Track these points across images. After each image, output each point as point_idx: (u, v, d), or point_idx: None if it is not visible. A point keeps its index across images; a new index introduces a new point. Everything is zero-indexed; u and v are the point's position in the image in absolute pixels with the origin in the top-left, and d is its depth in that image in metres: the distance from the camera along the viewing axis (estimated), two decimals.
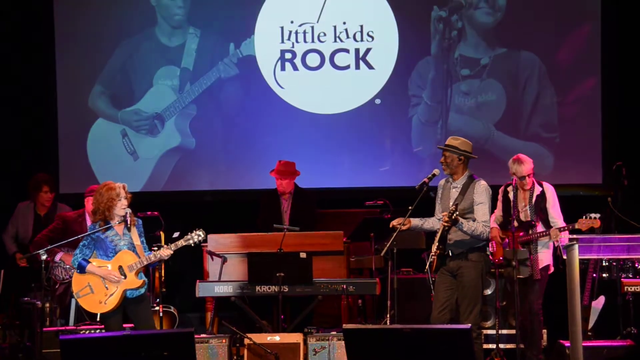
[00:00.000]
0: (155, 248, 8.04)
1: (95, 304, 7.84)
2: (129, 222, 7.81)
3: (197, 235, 7.88)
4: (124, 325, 8.06)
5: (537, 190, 8.85)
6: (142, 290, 7.88)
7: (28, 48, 11.38)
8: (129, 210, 7.82)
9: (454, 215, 8.02)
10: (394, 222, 8.28)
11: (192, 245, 7.90)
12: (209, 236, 9.53)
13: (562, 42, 11.32)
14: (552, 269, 8.92)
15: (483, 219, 8.15)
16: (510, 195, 8.80)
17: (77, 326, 8.93)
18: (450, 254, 8.18)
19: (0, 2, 11.33)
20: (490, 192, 8.26)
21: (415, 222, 8.30)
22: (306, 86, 11.49)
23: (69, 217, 9.45)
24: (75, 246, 9.15)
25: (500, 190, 8.94)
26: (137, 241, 7.85)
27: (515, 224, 8.69)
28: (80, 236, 8.88)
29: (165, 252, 7.78)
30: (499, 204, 8.95)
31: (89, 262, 7.82)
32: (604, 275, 9.49)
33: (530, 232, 8.76)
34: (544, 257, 8.81)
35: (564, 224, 8.68)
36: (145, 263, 7.77)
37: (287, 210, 10.16)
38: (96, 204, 7.84)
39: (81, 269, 7.82)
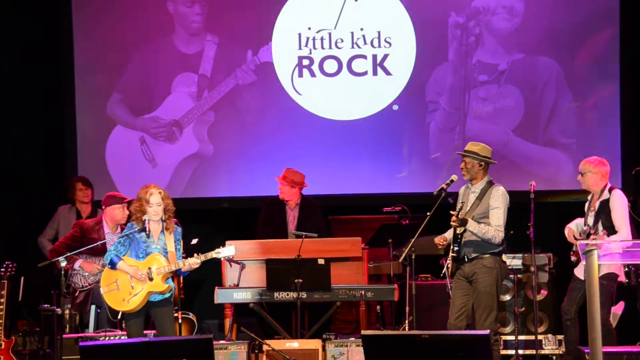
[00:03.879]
0: (184, 256, 8.05)
1: (118, 301, 7.90)
2: (147, 229, 7.85)
3: (227, 250, 7.89)
4: (146, 332, 8.10)
5: (604, 196, 8.65)
6: (167, 296, 7.90)
7: (46, 56, 11.43)
8: (147, 217, 7.85)
9: (460, 213, 8.02)
10: (437, 240, 8.27)
11: (222, 259, 7.92)
12: (227, 243, 9.54)
13: (580, 47, 11.29)
14: (621, 279, 8.79)
15: (496, 224, 8.13)
16: (588, 199, 8.76)
17: (97, 333, 8.95)
18: (466, 258, 8.17)
19: (19, 10, 11.39)
20: (508, 198, 8.23)
21: (449, 235, 8.30)
22: (324, 92, 11.49)
23: (86, 225, 9.47)
24: (93, 253, 9.23)
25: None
26: (170, 247, 7.88)
27: (587, 229, 8.66)
28: (98, 243, 8.95)
29: (194, 261, 7.81)
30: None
31: (121, 259, 7.89)
32: (624, 280, 9.44)
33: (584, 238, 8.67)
34: (607, 264, 8.46)
35: (628, 235, 8.47)
36: (173, 269, 7.80)
37: (292, 220, 10.13)
38: (132, 206, 7.97)
39: (112, 265, 7.91)
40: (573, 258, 8.77)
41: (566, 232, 8.77)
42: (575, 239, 8.67)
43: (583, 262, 8.23)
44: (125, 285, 7.89)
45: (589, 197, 8.79)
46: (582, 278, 8.61)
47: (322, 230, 10.02)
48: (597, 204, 8.65)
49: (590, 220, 8.67)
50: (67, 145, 11.50)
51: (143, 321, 7.96)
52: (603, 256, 7.46)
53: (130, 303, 7.85)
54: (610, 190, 8.66)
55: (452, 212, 8.15)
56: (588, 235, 8.57)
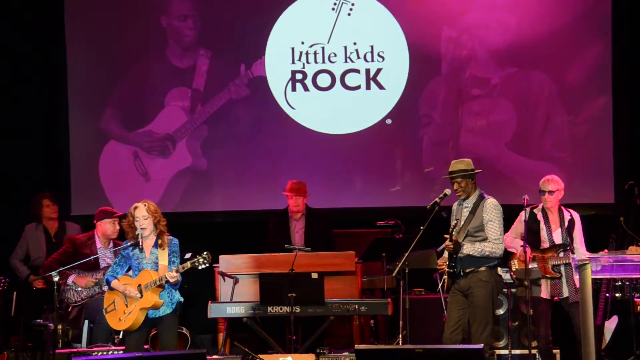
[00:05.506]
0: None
1: (116, 321, 7.92)
2: (140, 244, 7.84)
3: (202, 258, 7.85)
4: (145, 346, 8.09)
5: (567, 215, 8.85)
6: (163, 312, 7.86)
7: (39, 71, 11.43)
8: (141, 232, 7.84)
9: (454, 231, 8.04)
10: (440, 263, 8.27)
11: (199, 268, 7.88)
12: (220, 257, 9.55)
13: (572, 61, 11.31)
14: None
15: (494, 237, 8.14)
16: (539, 216, 8.80)
17: (90, 348, 8.91)
18: (462, 272, 8.17)
19: (11, 25, 11.39)
20: (501, 209, 8.25)
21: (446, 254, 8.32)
22: (317, 107, 11.50)
23: (78, 240, 9.45)
24: (86, 268, 9.21)
25: (524, 212, 8.83)
26: (163, 261, 7.85)
27: (547, 245, 8.69)
28: (91, 258, 8.92)
29: (170, 274, 7.77)
30: (518, 225, 8.86)
31: (116, 278, 7.92)
32: (617, 295, 9.46)
33: (562, 255, 8.69)
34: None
35: (587, 253, 8.61)
36: (158, 283, 7.77)
37: (298, 231, 10.15)
38: (124, 224, 8.00)
39: (108, 285, 7.96)
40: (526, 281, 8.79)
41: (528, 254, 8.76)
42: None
43: (575, 276, 8.27)
44: (120, 304, 7.90)
45: (538, 215, 8.82)
46: (548, 297, 8.67)
47: (329, 241, 10.04)
48: (566, 222, 8.74)
49: (557, 237, 8.74)
50: (60, 160, 11.48)
51: (144, 336, 7.94)
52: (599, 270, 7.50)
53: (126, 321, 7.83)
54: (567, 210, 8.80)
55: (445, 235, 8.15)
56: (561, 250, 8.63)
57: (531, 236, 8.79)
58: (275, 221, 10.26)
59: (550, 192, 8.80)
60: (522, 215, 8.79)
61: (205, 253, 7.84)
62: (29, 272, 10.17)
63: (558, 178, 8.91)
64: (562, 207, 8.90)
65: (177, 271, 7.77)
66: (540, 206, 8.89)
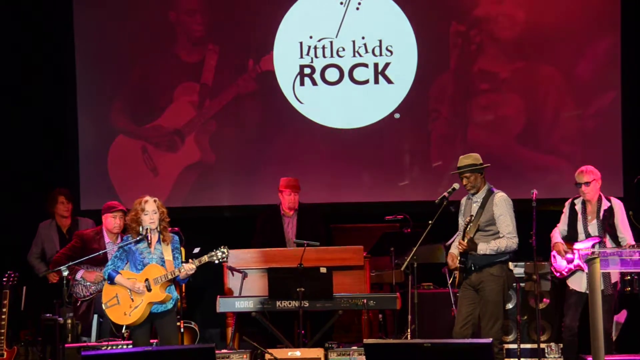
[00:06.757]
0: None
1: (120, 315, 7.91)
2: (149, 238, 7.85)
3: (220, 252, 7.91)
4: (152, 340, 8.11)
5: (605, 204, 8.78)
6: (168, 306, 7.90)
7: (48, 66, 11.45)
8: (149, 227, 7.85)
9: (469, 226, 8.02)
10: (449, 261, 8.26)
11: (216, 262, 7.93)
12: (229, 251, 9.55)
13: (581, 55, 11.29)
14: (619, 287, 8.82)
15: (507, 231, 8.14)
16: (577, 207, 8.77)
17: (99, 342, 8.94)
18: (473, 267, 8.17)
19: (20, 20, 11.41)
20: (511, 203, 8.25)
21: (455, 251, 8.30)
22: (325, 101, 11.50)
23: (86, 235, 9.47)
24: (94, 263, 9.22)
25: (567, 203, 8.85)
26: (168, 256, 7.87)
27: (583, 237, 8.67)
28: (99, 253, 8.94)
29: (189, 266, 7.81)
30: (564, 217, 8.87)
31: (118, 273, 7.89)
32: (627, 289, 9.44)
33: (594, 247, 8.69)
34: (612, 273, 8.59)
35: (632, 241, 8.61)
36: (170, 277, 7.79)
37: (292, 227, 10.14)
38: (127, 217, 8.00)
39: (110, 280, 7.92)
40: (566, 270, 8.77)
41: (560, 247, 8.74)
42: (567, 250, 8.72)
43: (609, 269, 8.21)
44: (125, 299, 7.89)
45: (577, 206, 8.79)
46: (582, 290, 8.64)
47: (322, 236, 10.02)
48: (602, 212, 8.69)
49: (593, 228, 8.68)
50: (69, 155, 11.51)
51: (148, 329, 7.96)
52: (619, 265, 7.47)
53: (132, 316, 7.85)
54: (607, 198, 8.74)
55: (460, 240, 8.14)
56: (595, 243, 8.61)
57: (572, 229, 8.77)
58: (266, 218, 10.24)
59: (586, 184, 8.74)
60: (566, 207, 8.78)
61: (223, 248, 7.88)
62: (46, 268, 10.18)
63: (593, 168, 8.83)
64: (603, 197, 8.82)
65: (194, 262, 7.80)
66: (581, 197, 8.84)
